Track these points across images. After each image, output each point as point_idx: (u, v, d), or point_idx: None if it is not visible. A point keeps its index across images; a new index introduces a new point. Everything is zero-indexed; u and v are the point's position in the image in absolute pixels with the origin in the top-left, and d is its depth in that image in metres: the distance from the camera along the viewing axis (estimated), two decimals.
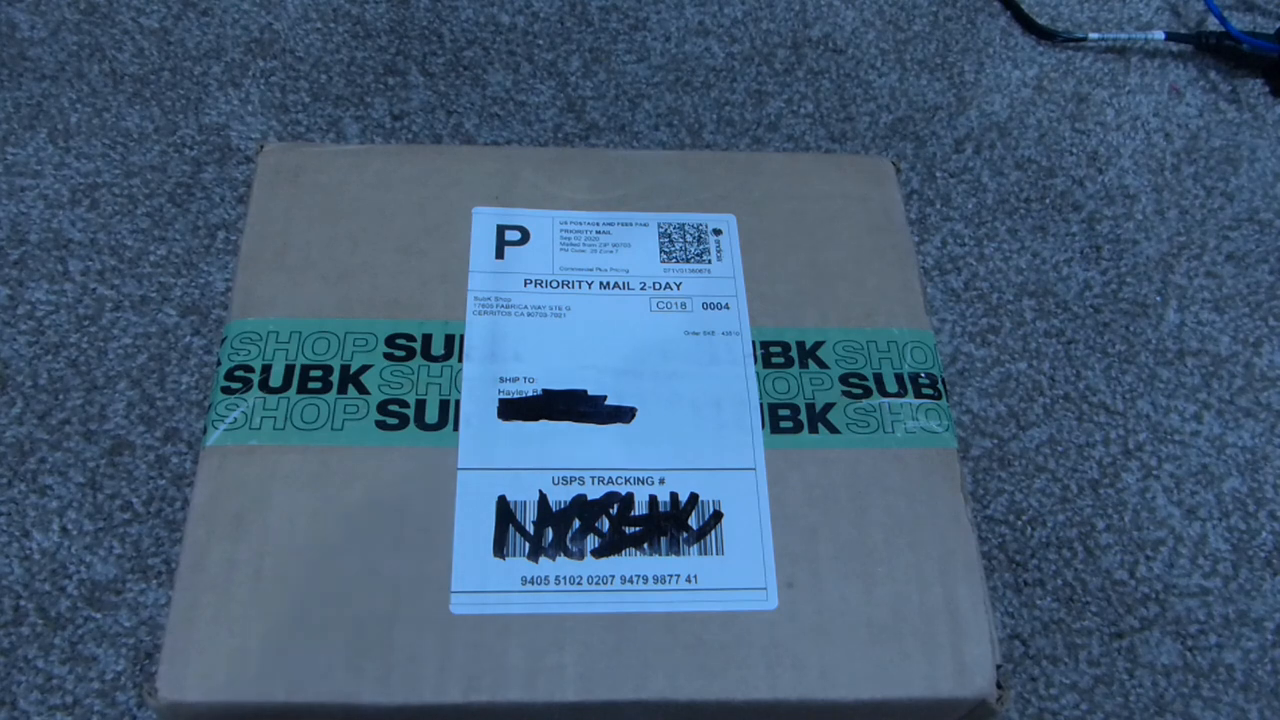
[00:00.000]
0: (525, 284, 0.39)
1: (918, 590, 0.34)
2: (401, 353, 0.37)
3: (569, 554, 0.33)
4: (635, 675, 0.32)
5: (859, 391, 0.37)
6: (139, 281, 0.52)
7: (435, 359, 0.37)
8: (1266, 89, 0.65)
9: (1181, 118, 0.63)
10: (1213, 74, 0.66)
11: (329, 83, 0.60)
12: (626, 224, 0.41)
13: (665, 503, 0.34)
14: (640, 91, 0.61)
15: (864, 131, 0.61)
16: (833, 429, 0.36)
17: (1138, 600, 0.47)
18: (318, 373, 0.36)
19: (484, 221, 0.40)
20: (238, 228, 0.54)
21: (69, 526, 0.45)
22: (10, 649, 0.42)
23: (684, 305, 0.39)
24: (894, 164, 0.44)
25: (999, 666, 0.33)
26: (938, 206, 0.58)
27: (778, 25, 0.65)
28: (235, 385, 0.36)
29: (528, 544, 0.33)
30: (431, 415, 0.35)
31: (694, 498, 0.35)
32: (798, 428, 0.36)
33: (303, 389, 0.36)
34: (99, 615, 0.43)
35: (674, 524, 0.34)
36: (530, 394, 0.36)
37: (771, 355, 0.38)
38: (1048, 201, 0.59)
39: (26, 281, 0.51)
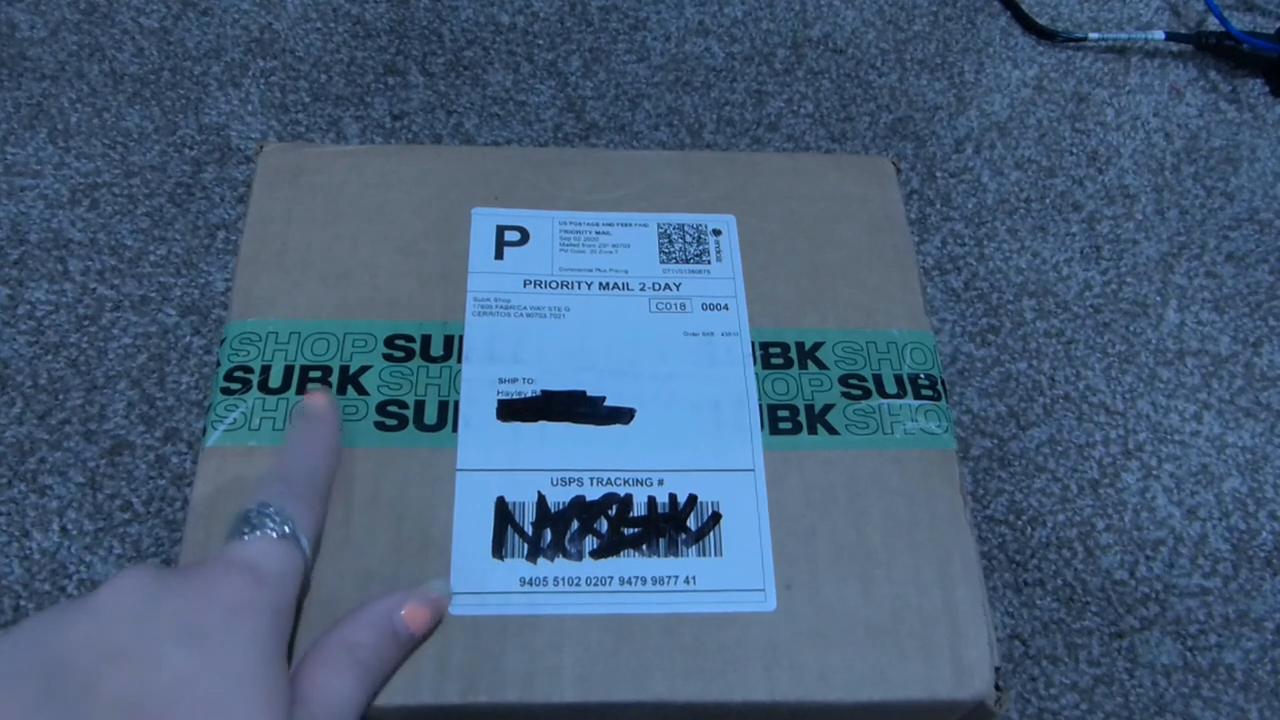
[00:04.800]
0: (524, 284, 0.39)
1: (916, 592, 0.34)
2: (400, 354, 0.37)
3: (567, 555, 0.33)
4: (633, 677, 0.32)
5: (858, 393, 0.37)
6: (139, 281, 0.52)
7: (434, 360, 0.37)
8: (1266, 89, 0.65)
9: (1181, 118, 0.63)
10: (1213, 74, 0.65)
11: (329, 83, 0.60)
12: (626, 224, 0.41)
13: (664, 504, 0.35)
14: (640, 91, 0.61)
15: (864, 131, 0.61)
16: (832, 430, 0.36)
17: (1138, 600, 0.47)
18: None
19: (484, 222, 0.40)
20: (238, 228, 0.54)
21: (69, 526, 0.45)
22: None
23: (683, 306, 0.39)
24: (894, 164, 0.44)
25: (997, 668, 0.33)
26: (938, 206, 0.58)
27: (778, 25, 0.65)
28: (235, 386, 0.36)
29: (526, 545, 0.33)
30: (430, 416, 0.35)
31: (692, 499, 0.35)
32: (797, 429, 0.36)
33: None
34: None
35: (672, 525, 0.34)
36: (529, 395, 0.36)
37: (771, 356, 0.38)
38: (1048, 201, 0.59)
39: (26, 281, 0.51)
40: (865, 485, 0.35)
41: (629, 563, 0.33)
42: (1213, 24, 0.67)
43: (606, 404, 0.36)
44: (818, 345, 0.38)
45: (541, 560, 0.33)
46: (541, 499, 0.34)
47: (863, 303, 0.40)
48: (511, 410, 0.36)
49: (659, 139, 0.59)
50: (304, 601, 0.32)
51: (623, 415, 0.36)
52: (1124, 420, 0.52)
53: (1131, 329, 0.55)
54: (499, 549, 0.33)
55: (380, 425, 0.35)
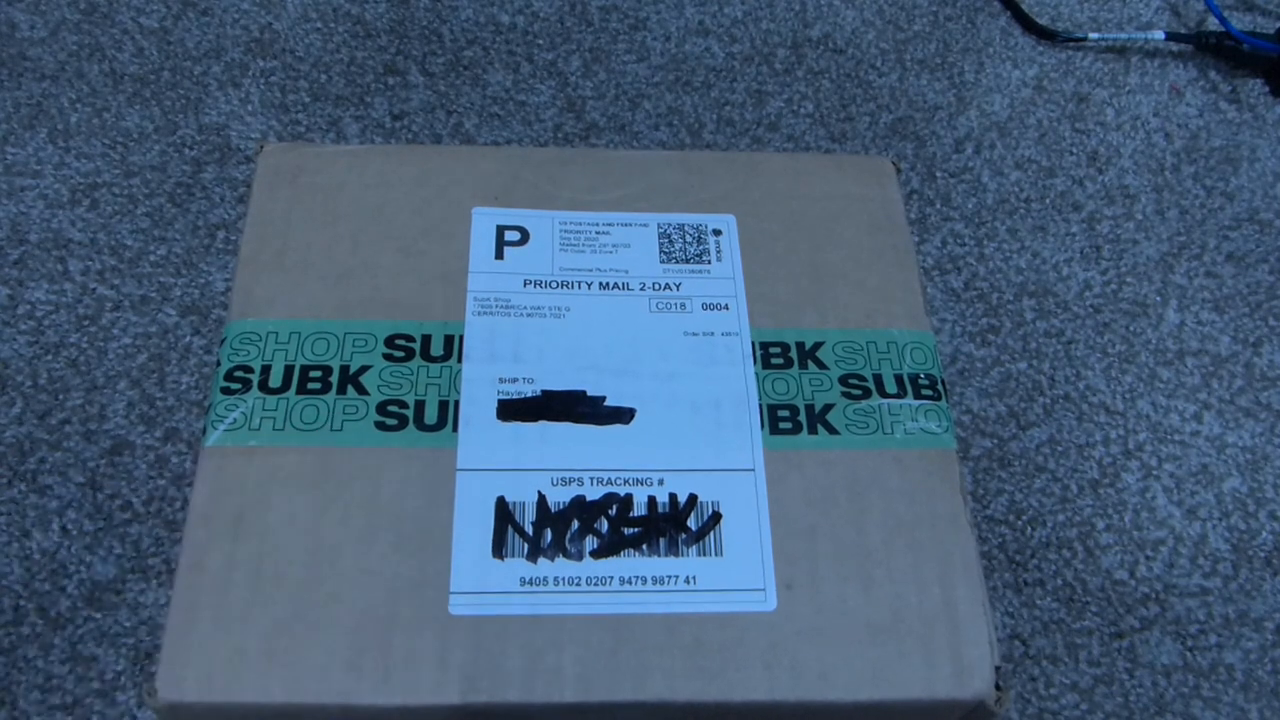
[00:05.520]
0: (525, 284, 0.39)
1: (916, 592, 0.34)
2: (401, 353, 0.37)
3: (568, 555, 0.33)
4: (633, 676, 0.32)
5: (858, 392, 0.37)
6: (139, 281, 0.52)
7: (434, 359, 0.37)
8: (1266, 89, 0.65)
9: (1181, 118, 0.63)
10: (1213, 74, 0.65)
11: (329, 83, 0.60)
12: (626, 224, 0.41)
13: (664, 504, 0.35)
14: (640, 91, 0.61)
15: (864, 131, 0.61)
16: (832, 430, 0.36)
17: (1138, 600, 0.47)
18: (317, 373, 0.36)
19: (484, 221, 0.40)
20: (238, 228, 0.54)
21: (69, 526, 0.45)
22: (10, 649, 0.42)
23: (683, 306, 0.39)
24: (894, 164, 0.44)
25: (998, 668, 0.33)
26: (938, 206, 0.58)
27: (778, 25, 0.65)
28: (235, 386, 0.36)
29: (526, 545, 0.33)
30: (431, 416, 0.35)
31: (693, 499, 0.35)
32: (797, 429, 0.36)
33: (302, 389, 0.36)
34: (99, 615, 0.43)
35: (673, 525, 0.34)
36: (529, 395, 0.36)
37: (771, 356, 0.38)
38: (1048, 201, 0.59)
39: (26, 281, 0.51)
40: (865, 485, 0.35)
41: (629, 562, 0.33)
42: (1213, 24, 0.67)
43: (607, 404, 0.36)
44: (818, 345, 0.38)
45: (542, 560, 0.33)
46: (542, 499, 0.34)
47: (863, 303, 0.40)
48: (512, 410, 0.36)
49: (659, 139, 0.59)
50: (307, 602, 0.32)
51: (623, 415, 0.36)
52: (1124, 420, 0.52)
53: (1131, 329, 0.55)
54: (499, 549, 0.33)
55: (380, 425, 0.35)
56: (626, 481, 0.35)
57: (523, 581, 0.33)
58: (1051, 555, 0.48)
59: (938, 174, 0.59)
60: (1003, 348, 0.53)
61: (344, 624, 0.32)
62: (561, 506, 0.34)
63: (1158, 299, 0.56)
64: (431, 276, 0.39)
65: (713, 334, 0.38)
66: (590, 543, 0.34)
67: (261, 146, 0.42)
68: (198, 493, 0.34)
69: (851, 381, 0.38)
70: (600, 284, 0.39)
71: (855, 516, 0.35)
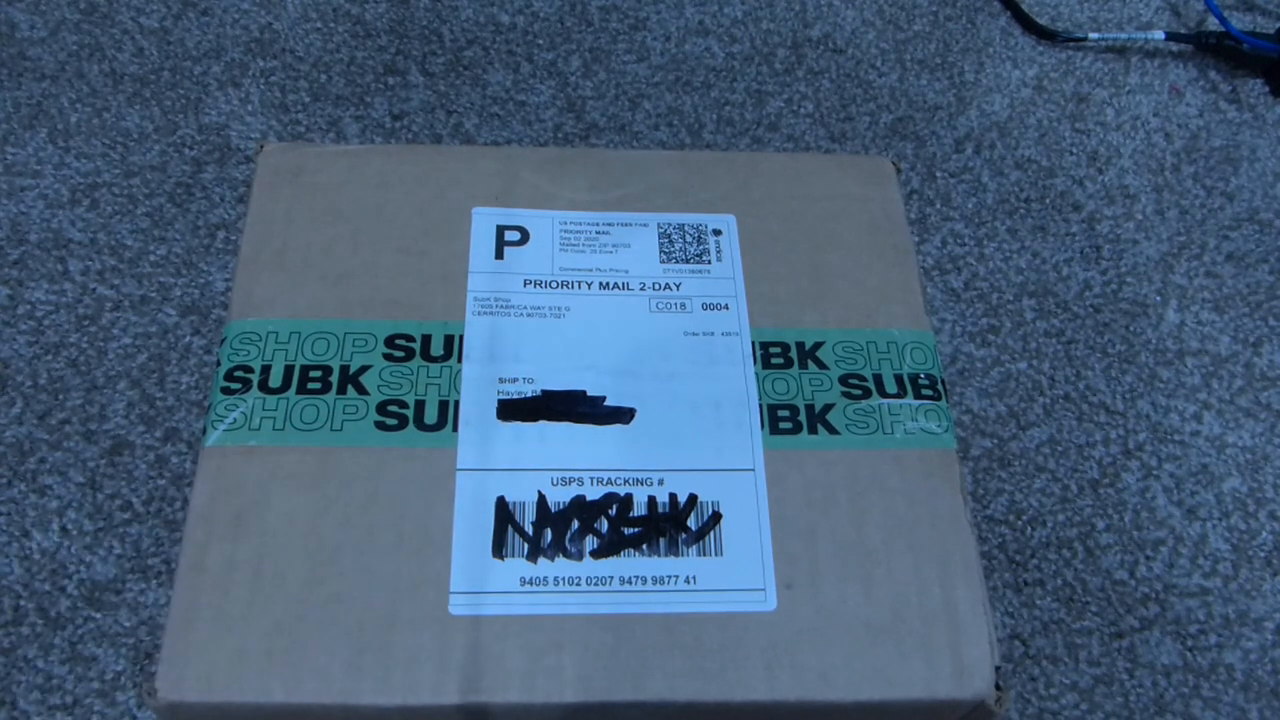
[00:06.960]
0: (525, 284, 0.39)
1: (916, 591, 0.34)
2: (401, 353, 0.37)
3: (568, 555, 0.33)
4: (633, 676, 0.32)
5: (858, 392, 0.37)
6: (139, 281, 0.52)
7: (434, 359, 0.37)
8: (1266, 89, 0.65)
9: (1181, 118, 0.63)
10: (1213, 74, 0.65)
11: (329, 83, 0.60)
12: (626, 224, 0.41)
13: (664, 504, 0.35)
14: (640, 91, 0.61)
15: (864, 131, 0.61)
16: (832, 430, 0.36)
17: (1138, 600, 0.47)
18: (317, 373, 0.36)
19: (484, 222, 0.40)
20: (238, 228, 0.54)
21: (69, 526, 0.45)
22: (10, 649, 0.42)
23: (683, 306, 0.39)
24: (894, 164, 0.44)
25: (998, 668, 0.33)
26: (938, 206, 0.58)
27: (778, 25, 0.65)
28: (235, 386, 0.36)
29: (526, 545, 0.33)
30: (431, 416, 0.35)
31: (693, 499, 0.35)
32: (797, 428, 0.36)
33: (302, 389, 0.36)
34: (99, 615, 0.43)
35: (673, 525, 0.34)
36: (529, 394, 0.36)
37: (771, 356, 0.38)
38: (1048, 201, 0.59)
39: (26, 281, 0.51)
40: (865, 485, 0.35)
41: (629, 562, 0.33)
42: (1213, 24, 0.67)
43: (606, 404, 0.36)
44: (818, 345, 0.38)
45: (542, 560, 0.33)
46: (542, 498, 0.34)
47: (863, 303, 0.40)
48: (512, 410, 0.36)
49: (659, 139, 0.59)
50: (307, 602, 0.32)
51: (623, 415, 0.36)
52: (1124, 420, 0.52)
53: (1131, 329, 0.55)
54: (499, 549, 0.33)
55: (380, 425, 0.35)
56: (626, 481, 0.35)
57: (523, 581, 0.33)
58: (1051, 555, 0.48)
59: (938, 174, 0.59)
60: (1003, 348, 0.53)
61: (344, 624, 0.32)
62: (561, 506, 0.34)
63: (1158, 299, 0.56)
64: (431, 276, 0.39)
65: (713, 334, 0.38)
66: (590, 543, 0.34)
67: (261, 146, 0.42)
68: (198, 493, 0.34)
69: (851, 381, 0.38)
70: (600, 284, 0.39)
71: (855, 516, 0.35)
